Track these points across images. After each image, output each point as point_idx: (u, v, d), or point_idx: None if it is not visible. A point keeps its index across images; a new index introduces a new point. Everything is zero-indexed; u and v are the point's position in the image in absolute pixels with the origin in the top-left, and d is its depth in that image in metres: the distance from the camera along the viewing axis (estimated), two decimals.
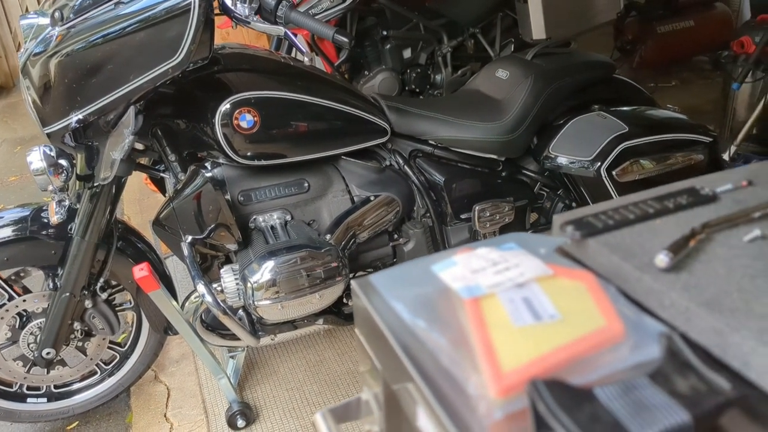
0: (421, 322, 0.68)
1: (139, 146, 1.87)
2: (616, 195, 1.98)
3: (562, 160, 2.04)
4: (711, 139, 2.10)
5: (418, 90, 3.41)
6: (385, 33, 3.31)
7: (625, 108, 2.13)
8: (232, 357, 2.19)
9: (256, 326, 1.87)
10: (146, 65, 1.53)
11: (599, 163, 1.97)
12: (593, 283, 0.71)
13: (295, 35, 2.67)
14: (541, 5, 3.02)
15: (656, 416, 0.52)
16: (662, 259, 0.67)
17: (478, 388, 0.59)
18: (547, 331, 0.65)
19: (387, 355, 0.71)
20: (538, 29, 3.07)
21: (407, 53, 3.38)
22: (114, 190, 1.75)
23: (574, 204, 2.12)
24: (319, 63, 3.49)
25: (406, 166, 2.02)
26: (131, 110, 1.58)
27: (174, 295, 1.92)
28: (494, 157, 2.08)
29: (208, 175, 1.76)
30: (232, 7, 1.53)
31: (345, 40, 1.50)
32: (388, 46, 3.31)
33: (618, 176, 1.97)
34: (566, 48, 2.52)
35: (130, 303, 2.02)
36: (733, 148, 3.10)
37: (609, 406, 0.54)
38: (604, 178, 1.97)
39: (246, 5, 1.52)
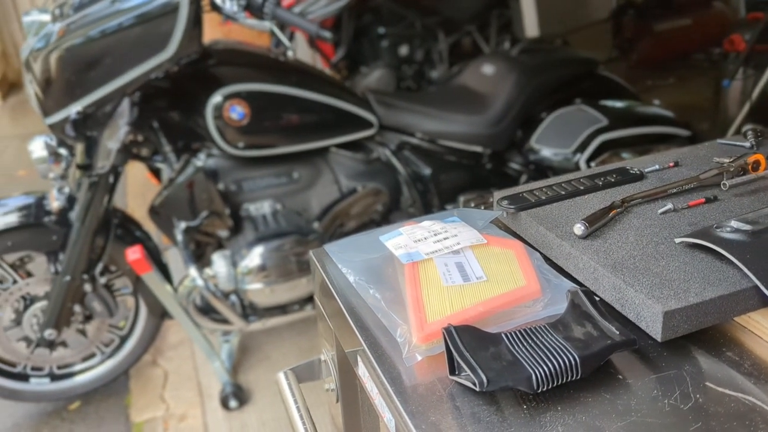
0: (365, 283, 0.76)
1: (139, 138, 1.96)
2: None
3: (545, 152, 2.11)
4: (690, 133, 2.16)
5: (414, 86, 3.49)
6: (381, 30, 3.39)
7: (606, 102, 2.19)
8: (226, 341, 2.28)
9: (247, 311, 1.96)
10: (140, 58, 1.62)
11: (579, 155, 2.04)
12: (521, 251, 0.79)
13: (293, 34, 2.76)
14: (535, 3, 3.09)
15: (549, 356, 0.59)
16: (579, 227, 0.75)
17: (405, 336, 0.67)
18: (472, 290, 0.73)
19: (339, 316, 0.79)
20: (531, 26, 3.15)
21: (403, 50, 3.45)
22: (111, 180, 1.84)
23: None
24: (319, 61, 3.58)
25: (393, 158, 2.10)
26: (126, 101, 1.67)
27: (170, 283, 2.01)
28: (479, 149, 2.16)
29: (200, 164, 1.85)
30: (221, 4, 1.62)
31: (327, 36, 1.59)
32: (385, 43, 3.39)
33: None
34: (551, 44, 2.59)
35: (129, 288, 2.11)
36: None
37: (511, 348, 0.62)
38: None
39: (234, 2, 1.60)
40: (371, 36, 3.42)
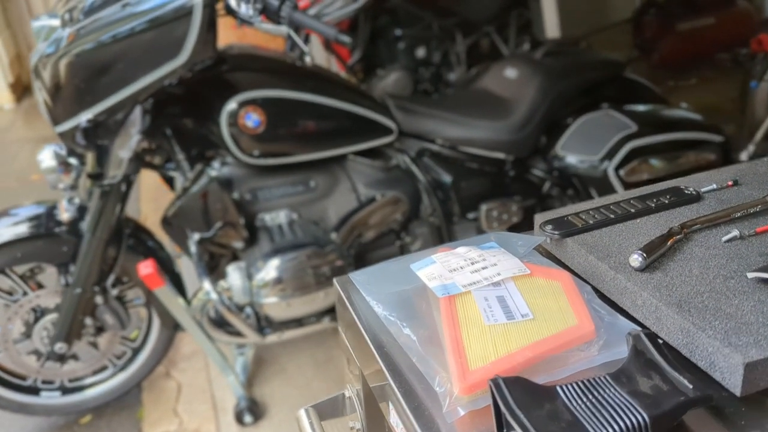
0: (396, 319, 0.69)
1: (151, 146, 1.90)
2: None
3: (570, 159, 2.03)
4: (723, 139, 2.07)
5: (431, 89, 3.41)
6: (398, 32, 3.31)
7: (634, 106, 2.11)
8: (240, 354, 2.22)
9: (263, 324, 1.90)
10: (152, 64, 1.56)
11: (607, 163, 1.96)
12: (569, 283, 0.71)
13: (308, 36, 2.69)
14: (555, 4, 3.00)
15: (614, 415, 0.52)
16: (636, 259, 0.67)
17: (444, 385, 0.60)
18: (517, 330, 0.65)
19: (366, 352, 0.72)
20: (552, 27, 3.06)
21: (421, 52, 3.38)
22: (123, 189, 1.78)
23: None
24: (334, 63, 3.51)
25: (413, 166, 2.03)
26: (138, 109, 1.61)
27: (183, 294, 1.95)
28: (502, 156, 2.07)
29: (215, 173, 1.79)
30: (236, 8, 1.55)
31: (347, 40, 1.52)
32: (402, 45, 3.32)
33: (626, 176, 1.96)
34: (575, 47, 2.51)
35: (141, 299, 2.05)
36: (751, 147, 3.05)
37: (569, 405, 0.54)
38: (611, 178, 1.95)
39: (250, 6, 1.54)
40: (388, 38, 3.35)
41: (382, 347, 0.68)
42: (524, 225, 2.15)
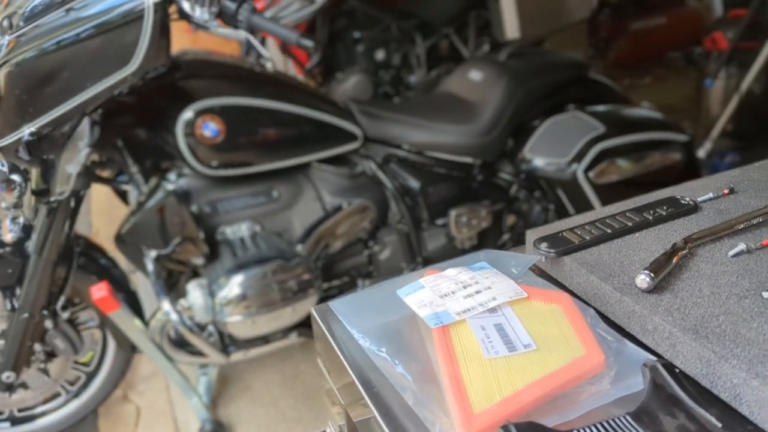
0: (386, 355, 0.63)
1: (102, 158, 1.79)
2: (593, 198, 1.94)
3: (538, 162, 2.00)
4: (687, 138, 2.07)
5: (392, 92, 3.36)
6: (356, 34, 3.25)
7: (600, 107, 2.09)
8: (203, 373, 2.12)
9: (226, 342, 1.80)
10: (101, 73, 1.45)
11: (575, 165, 1.93)
12: (570, 306, 0.66)
13: (264, 39, 2.60)
14: (515, 4, 2.98)
15: None
16: (643, 280, 0.62)
17: None
18: (521, 363, 0.59)
19: (351, 391, 0.65)
20: (511, 28, 3.03)
21: (380, 54, 3.32)
22: (72, 205, 1.67)
23: (551, 206, 2.08)
24: (291, 67, 3.43)
25: (379, 172, 1.97)
26: (86, 121, 1.50)
27: (140, 312, 1.84)
28: (470, 160, 2.03)
29: (171, 186, 1.69)
30: (190, 12, 1.46)
31: (309, 44, 1.44)
32: (361, 48, 3.25)
33: (595, 178, 1.94)
34: (539, 48, 2.48)
35: (95, 321, 1.93)
36: (708, 145, 3.09)
37: None
38: (580, 181, 1.93)
39: (205, 9, 1.45)
40: (346, 41, 3.28)
41: (371, 387, 0.61)
42: (494, 230, 2.11)
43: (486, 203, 2.05)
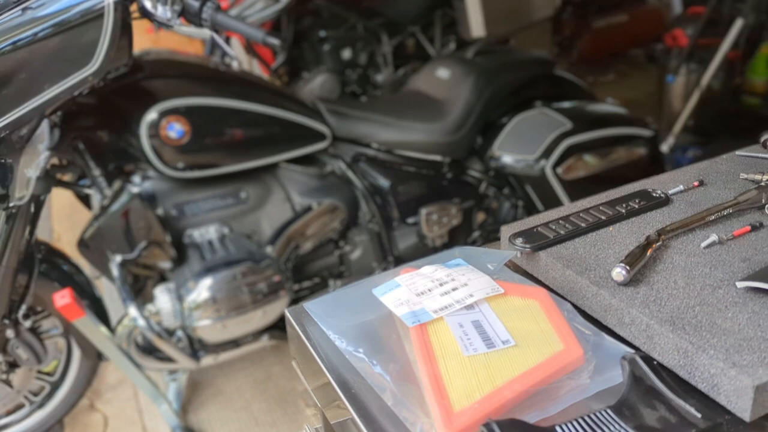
0: (364, 355, 0.61)
1: (62, 162, 1.74)
2: (562, 193, 1.96)
3: (507, 159, 2.01)
4: (652, 133, 2.10)
5: (359, 91, 3.34)
6: (322, 33, 3.23)
7: (566, 104, 2.11)
8: (173, 379, 2.07)
9: (196, 347, 1.77)
10: (60, 74, 1.41)
11: (544, 161, 1.95)
12: (547, 301, 0.65)
13: (228, 38, 2.56)
14: (480, 3, 2.99)
15: None
16: (619, 273, 0.62)
17: None
18: (500, 359, 0.59)
19: (328, 393, 0.64)
20: (477, 27, 3.04)
21: (346, 54, 3.31)
22: (32, 210, 1.61)
23: (520, 202, 2.09)
24: (256, 67, 3.38)
25: (349, 171, 1.95)
26: (45, 123, 1.46)
27: (106, 319, 1.80)
28: (439, 158, 2.03)
29: (136, 189, 1.65)
30: (152, 10, 1.42)
31: (276, 42, 1.42)
32: (327, 47, 3.23)
33: (563, 174, 1.95)
34: (505, 46, 2.50)
35: (58, 329, 1.88)
36: (671, 140, 3.15)
37: None
38: (549, 177, 1.94)
39: (168, 8, 1.41)
40: (312, 40, 3.25)
41: (348, 388, 0.60)
42: (464, 227, 2.11)
43: (456, 201, 2.05)
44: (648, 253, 0.65)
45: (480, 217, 2.20)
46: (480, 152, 2.07)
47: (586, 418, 0.50)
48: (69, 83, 1.41)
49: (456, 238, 2.10)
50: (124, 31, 1.40)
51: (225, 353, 1.83)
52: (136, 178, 1.70)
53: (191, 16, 1.44)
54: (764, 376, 0.50)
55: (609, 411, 0.51)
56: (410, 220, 2.03)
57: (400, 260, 2.03)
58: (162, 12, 1.43)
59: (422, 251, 2.05)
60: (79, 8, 1.38)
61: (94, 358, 1.92)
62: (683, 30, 3.36)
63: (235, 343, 1.83)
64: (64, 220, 3.28)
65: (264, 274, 1.73)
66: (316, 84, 3.14)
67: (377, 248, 2.02)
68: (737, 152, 0.88)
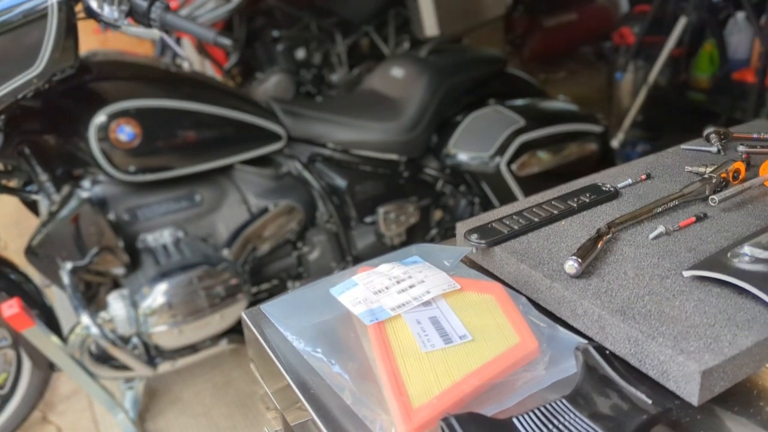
0: (322, 355, 0.61)
1: (6, 167, 1.68)
2: (516, 189, 1.99)
3: (462, 157, 2.03)
4: (602, 129, 2.15)
5: (314, 91, 3.33)
6: (276, 33, 3.20)
7: (519, 101, 2.14)
8: (129, 388, 2.02)
9: (152, 354, 1.73)
10: (3, 76, 1.36)
11: (498, 158, 1.97)
12: (503, 295, 0.66)
13: (179, 39, 2.52)
14: (432, 2, 3.01)
15: None
16: (571, 266, 0.63)
17: (388, 430, 0.53)
18: (457, 354, 0.59)
19: (288, 395, 0.64)
20: (430, 26, 3.07)
21: (300, 53, 3.29)
22: None
23: (476, 199, 2.12)
24: (209, 67, 3.34)
25: (305, 172, 1.94)
26: None
27: (57, 328, 1.75)
28: (395, 157, 2.04)
29: (86, 194, 1.61)
30: (99, 10, 1.38)
31: (227, 43, 1.40)
32: (280, 47, 3.20)
33: (517, 170, 1.98)
34: (458, 44, 2.52)
35: (7, 340, 1.81)
36: (621, 135, 3.23)
37: None
38: (504, 174, 1.97)
39: (114, 8, 1.38)
40: (265, 40, 3.22)
41: (308, 389, 0.60)
42: (422, 225, 2.13)
43: (413, 199, 2.06)
44: (599, 246, 0.67)
45: (437, 214, 2.22)
46: (436, 150, 2.09)
47: (542, 409, 0.51)
48: (12, 86, 1.36)
49: (414, 236, 2.11)
50: (69, 31, 1.36)
51: (183, 359, 1.80)
52: (86, 183, 1.65)
53: (139, 17, 1.41)
54: (710, 362, 0.52)
55: (564, 401, 0.52)
56: (368, 219, 2.03)
57: (358, 260, 2.03)
58: (109, 12, 1.39)
59: (381, 250, 2.05)
60: (21, 8, 1.34)
61: (46, 368, 1.86)
62: (630, 28, 3.45)
63: (193, 349, 1.80)
64: (10, 228, 3.17)
65: (221, 277, 1.70)
66: (270, 84, 3.11)
67: (335, 248, 2.01)
68: (682, 146, 0.91)
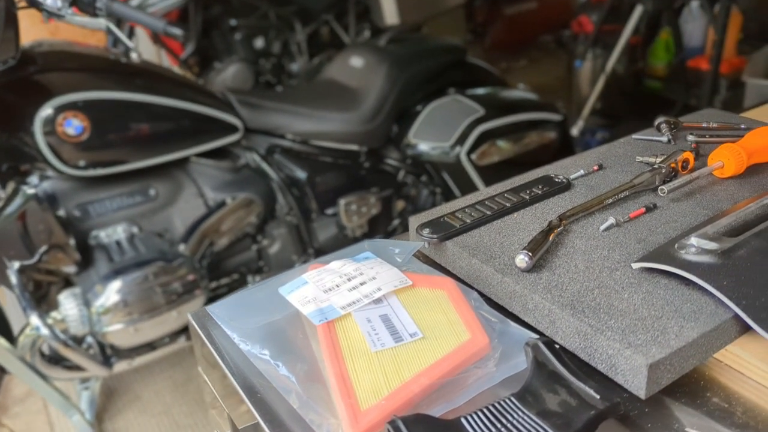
0: (269, 357, 0.59)
1: None
2: (477, 179, 1.99)
3: (423, 146, 2.02)
4: (561, 118, 2.17)
5: (274, 80, 3.27)
6: (233, 22, 3.13)
7: (479, 90, 2.14)
8: (85, 388, 1.97)
9: (108, 353, 1.69)
10: None
11: (459, 148, 1.97)
12: (455, 291, 0.65)
13: (133, 29, 2.45)
14: None
15: None
16: (522, 259, 0.63)
17: None
18: (408, 353, 0.58)
19: (235, 399, 0.62)
20: (390, 14, 3.04)
21: (259, 42, 3.23)
22: None
23: (438, 189, 2.11)
24: (165, 58, 3.25)
25: (263, 164, 1.91)
26: None
27: (6, 330, 1.69)
28: (355, 147, 2.02)
29: (32, 190, 1.55)
30: None
31: (177, 32, 1.36)
32: (238, 36, 3.14)
33: (477, 160, 1.98)
34: (418, 33, 2.51)
35: None
36: (580, 123, 3.26)
37: None
38: (464, 163, 1.97)
39: None
40: (222, 29, 3.15)
41: (254, 393, 0.58)
42: (384, 216, 2.11)
43: (374, 190, 2.05)
44: (550, 239, 0.66)
45: (399, 205, 2.21)
46: (396, 140, 2.07)
47: (491, 407, 0.50)
48: None
49: (376, 227, 2.10)
50: (8, 21, 1.31)
51: (140, 357, 1.76)
52: (33, 179, 1.59)
53: (84, 5, 1.36)
54: (657, 354, 0.52)
55: (512, 398, 0.51)
56: (329, 211, 2.00)
57: (320, 252, 2.01)
58: (52, 1, 1.34)
59: (342, 242, 2.03)
60: None
61: None
62: (588, 17, 3.48)
63: (150, 346, 1.76)
64: None
65: (177, 273, 1.67)
66: (228, 74, 3.05)
67: (296, 241, 1.99)
68: (633, 136, 0.91)
